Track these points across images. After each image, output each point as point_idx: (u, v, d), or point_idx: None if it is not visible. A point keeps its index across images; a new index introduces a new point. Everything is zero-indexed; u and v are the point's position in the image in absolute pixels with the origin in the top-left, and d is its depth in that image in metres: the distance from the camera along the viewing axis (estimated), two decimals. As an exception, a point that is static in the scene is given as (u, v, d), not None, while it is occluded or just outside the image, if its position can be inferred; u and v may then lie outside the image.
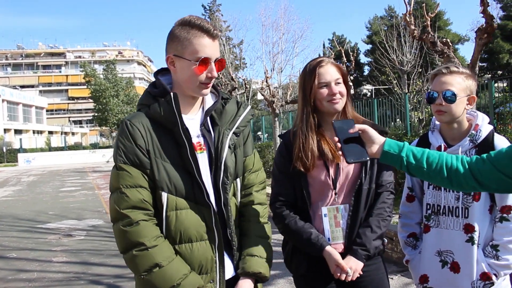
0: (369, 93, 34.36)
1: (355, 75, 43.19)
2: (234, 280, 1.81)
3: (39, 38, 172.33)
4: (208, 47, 1.71)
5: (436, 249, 2.14)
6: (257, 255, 1.81)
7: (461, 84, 2.06)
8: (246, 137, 1.94)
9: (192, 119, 1.80)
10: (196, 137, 1.77)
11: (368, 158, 1.64)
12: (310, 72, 2.12)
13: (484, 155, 1.56)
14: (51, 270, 5.88)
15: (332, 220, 2.11)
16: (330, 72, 2.09)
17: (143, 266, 1.63)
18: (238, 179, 1.88)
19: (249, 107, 1.94)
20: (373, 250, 2.07)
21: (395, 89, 21.64)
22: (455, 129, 2.12)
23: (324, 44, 40.79)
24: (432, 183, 1.72)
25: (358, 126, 1.67)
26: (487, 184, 1.53)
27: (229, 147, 1.80)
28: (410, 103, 13.52)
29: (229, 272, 1.81)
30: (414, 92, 14.43)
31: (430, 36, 5.46)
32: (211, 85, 1.78)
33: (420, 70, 20.57)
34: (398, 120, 13.06)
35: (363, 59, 43.55)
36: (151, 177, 1.68)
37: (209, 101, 1.86)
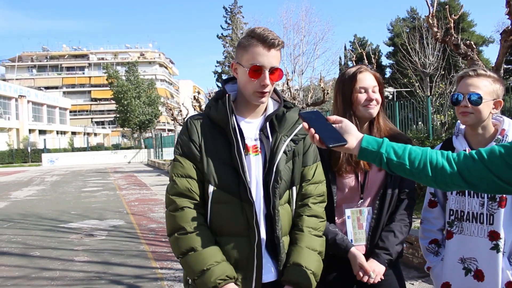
0: (390, 96, 34.02)
1: (376, 77, 42.75)
2: (274, 285, 1.83)
3: (63, 40, 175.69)
4: (262, 56, 1.78)
5: (459, 256, 2.10)
6: (302, 265, 1.81)
7: (487, 87, 2.02)
8: (308, 147, 1.95)
9: (251, 123, 1.89)
10: (254, 140, 1.86)
11: (346, 142, 1.54)
12: (350, 77, 2.16)
13: (473, 152, 1.45)
14: (73, 269, 5.96)
15: (355, 222, 2.13)
16: (368, 79, 2.14)
17: (180, 249, 1.75)
18: (294, 188, 1.90)
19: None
20: (395, 255, 2.08)
21: (417, 91, 21.40)
22: (480, 134, 2.08)
23: (345, 47, 40.55)
24: (416, 181, 1.64)
25: (333, 118, 1.60)
26: (475, 184, 1.43)
27: (285, 152, 1.84)
28: (432, 106, 13.34)
29: (270, 275, 1.83)
30: (437, 95, 14.24)
31: (453, 38, 5.38)
32: (267, 94, 1.84)
33: (443, 72, 20.30)
34: (420, 123, 12.89)
35: (385, 61, 43.15)
36: (201, 169, 1.80)
37: (271, 107, 1.94)
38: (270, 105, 1.94)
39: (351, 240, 2.11)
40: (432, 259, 2.24)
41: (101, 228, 8.78)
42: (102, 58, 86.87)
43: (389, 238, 2.08)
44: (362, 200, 2.14)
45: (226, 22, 48.93)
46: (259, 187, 1.83)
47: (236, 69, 1.87)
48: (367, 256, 2.08)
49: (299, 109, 1.94)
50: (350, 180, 2.13)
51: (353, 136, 1.54)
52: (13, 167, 38.97)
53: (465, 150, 2.04)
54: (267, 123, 1.89)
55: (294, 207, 1.91)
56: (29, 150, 44.79)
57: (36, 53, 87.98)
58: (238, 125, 1.82)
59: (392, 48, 39.30)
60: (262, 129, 1.88)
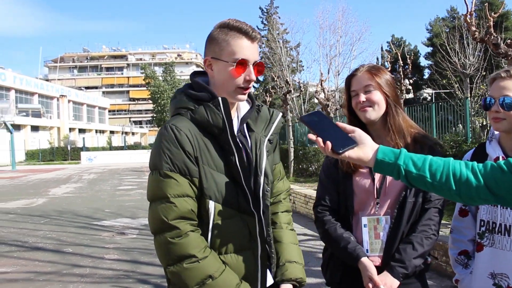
0: (429, 97, 33.19)
1: (414, 78, 41.96)
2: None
3: (103, 41, 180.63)
4: (246, 49, 1.65)
5: (489, 270, 1.94)
6: (295, 261, 1.82)
7: None
8: (275, 144, 1.91)
9: None
10: None
11: (356, 143, 1.41)
12: (345, 83, 2.11)
13: (502, 163, 1.29)
14: (103, 266, 6.04)
15: (372, 231, 2.00)
16: (359, 80, 2.02)
17: (195, 279, 1.56)
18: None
19: (280, 114, 1.90)
20: (412, 269, 1.92)
21: (457, 93, 20.79)
22: None
23: (382, 47, 39.82)
24: (438, 195, 1.48)
25: (343, 126, 1.46)
26: (504, 198, 1.28)
27: (266, 153, 1.77)
28: (472, 108, 12.88)
29: (269, 281, 1.77)
30: (477, 97, 13.75)
31: (492, 37, 5.14)
32: (248, 90, 1.72)
33: (484, 73, 19.62)
34: (459, 126, 12.48)
35: (423, 62, 42.17)
36: (198, 185, 1.62)
37: (244, 107, 1.80)
38: (241, 104, 1.80)
39: (367, 250, 1.98)
40: (461, 272, 2.09)
41: (132, 227, 8.89)
42: (140, 59, 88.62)
43: (406, 250, 1.92)
44: (378, 206, 2.00)
45: (262, 22, 48.88)
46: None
47: (211, 65, 1.70)
48: (383, 268, 1.94)
49: (269, 108, 1.86)
50: (365, 182, 2.01)
51: (368, 146, 1.41)
52: (54, 164, 40.17)
53: (498, 158, 1.91)
54: (244, 125, 1.77)
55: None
56: (69, 148, 46.08)
57: (77, 54, 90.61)
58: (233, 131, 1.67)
59: (431, 48, 38.35)
60: (240, 131, 1.75)
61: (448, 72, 22.33)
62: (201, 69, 1.82)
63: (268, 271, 1.77)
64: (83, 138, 49.28)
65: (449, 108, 11.56)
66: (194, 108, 1.66)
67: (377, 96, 1.99)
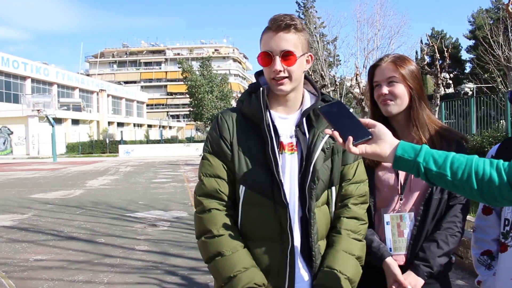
0: (470, 92, 32.14)
1: (455, 72, 40.75)
2: None
3: (142, 36, 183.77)
4: (270, 40, 1.65)
5: None
6: (337, 269, 1.65)
7: None
8: None
9: (286, 119, 1.74)
10: (289, 137, 1.72)
11: (371, 135, 1.37)
12: (368, 74, 2.01)
13: None
14: (133, 257, 6.12)
15: (395, 229, 1.90)
16: (383, 71, 1.92)
17: (207, 253, 1.65)
18: (333, 188, 1.75)
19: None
20: (437, 268, 1.83)
21: (500, 87, 20.04)
22: None
23: (421, 40, 38.87)
24: (459, 195, 1.38)
25: (366, 121, 1.41)
26: None
27: (323, 150, 1.69)
28: (515, 103, 12.36)
29: (303, 283, 1.68)
30: (521, 91, 13.18)
31: (535, 27, 4.88)
32: (285, 81, 1.68)
33: (530, 66, 18.81)
34: (502, 121, 12.02)
35: (464, 55, 40.89)
36: (232, 168, 1.69)
37: (308, 101, 1.78)
38: (306, 98, 1.78)
39: (390, 248, 1.89)
40: (484, 273, 1.96)
41: (164, 219, 8.99)
42: (178, 54, 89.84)
43: (431, 248, 1.83)
44: (401, 202, 1.90)
45: (299, 16, 48.60)
46: (294, 188, 1.68)
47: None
48: (407, 267, 1.85)
49: (340, 102, 1.75)
50: (389, 176, 1.92)
51: (387, 143, 1.36)
52: (92, 157, 41.22)
53: None
54: (304, 119, 1.73)
55: (333, 208, 1.75)
56: (107, 141, 47.21)
57: (117, 50, 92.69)
58: (273, 121, 1.69)
59: (473, 41, 37.12)
60: (299, 125, 1.73)
61: (490, 66, 21.55)
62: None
63: (307, 272, 1.69)
64: (121, 132, 50.36)
65: (491, 103, 11.13)
66: (244, 100, 1.76)
67: (400, 89, 1.89)
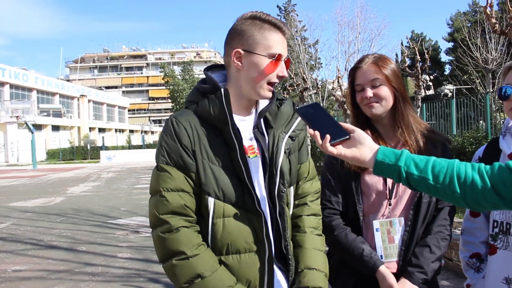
0: (450, 93, 32.59)
1: (435, 74, 41.28)
2: None
3: (122, 41, 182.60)
4: (281, 44, 1.59)
5: (503, 275, 1.77)
6: (315, 268, 1.64)
7: None
8: (302, 142, 1.75)
9: (244, 120, 1.64)
10: (249, 140, 1.62)
11: (349, 135, 1.36)
12: (349, 76, 1.96)
13: (510, 163, 1.18)
14: (115, 265, 6.00)
15: (385, 235, 1.84)
16: (365, 73, 1.87)
17: (183, 277, 1.48)
18: (291, 188, 1.69)
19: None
20: (431, 274, 1.78)
21: (478, 88, 20.35)
22: None
23: (402, 43, 39.31)
24: (441, 199, 1.37)
25: (345, 126, 1.39)
26: None
27: (285, 152, 1.62)
28: (495, 103, 12.54)
29: (282, 287, 1.63)
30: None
31: (514, 28, 4.94)
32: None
33: (507, 68, 19.16)
34: (481, 121, 12.18)
35: (444, 57, 41.46)
36: (196, 181, 1.53)
37: (263, 102, 1.68)
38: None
39: (381, 256, 1.83)
40: (473, 276, 1.93)
41: (147, 225, 8.85)
42: (160, 58, 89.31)
43: (424, 254, 1.78)
44: (390, 207, 1.85)
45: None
46: (263, 193, 1.60)
47: (241, 57, 1.58)
48: (399, 274, 1.80)
49: (293, 102, 1.72)
50: (376, 181, 1.86)
51: (367, 147, 1.34)
52: (73, 163, 40.67)
53: None
54: (262, 120, 1.65)
55: (291, 207, 1.71)
56: (88, 148, 46.67)
57: (98, 55, 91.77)
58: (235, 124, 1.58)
59: (452, 44, 37.68)
60: (257, 126, 1.65)
61: (469, 68, 21.89)
62: (218, 63, 1.74)
63: (283, 277, 1.64)
64: (103, 137, 49.80)
65: (471, 104, 11.28)
66: (199, 101, 1.60)
67: (385, 91, 1.85)
